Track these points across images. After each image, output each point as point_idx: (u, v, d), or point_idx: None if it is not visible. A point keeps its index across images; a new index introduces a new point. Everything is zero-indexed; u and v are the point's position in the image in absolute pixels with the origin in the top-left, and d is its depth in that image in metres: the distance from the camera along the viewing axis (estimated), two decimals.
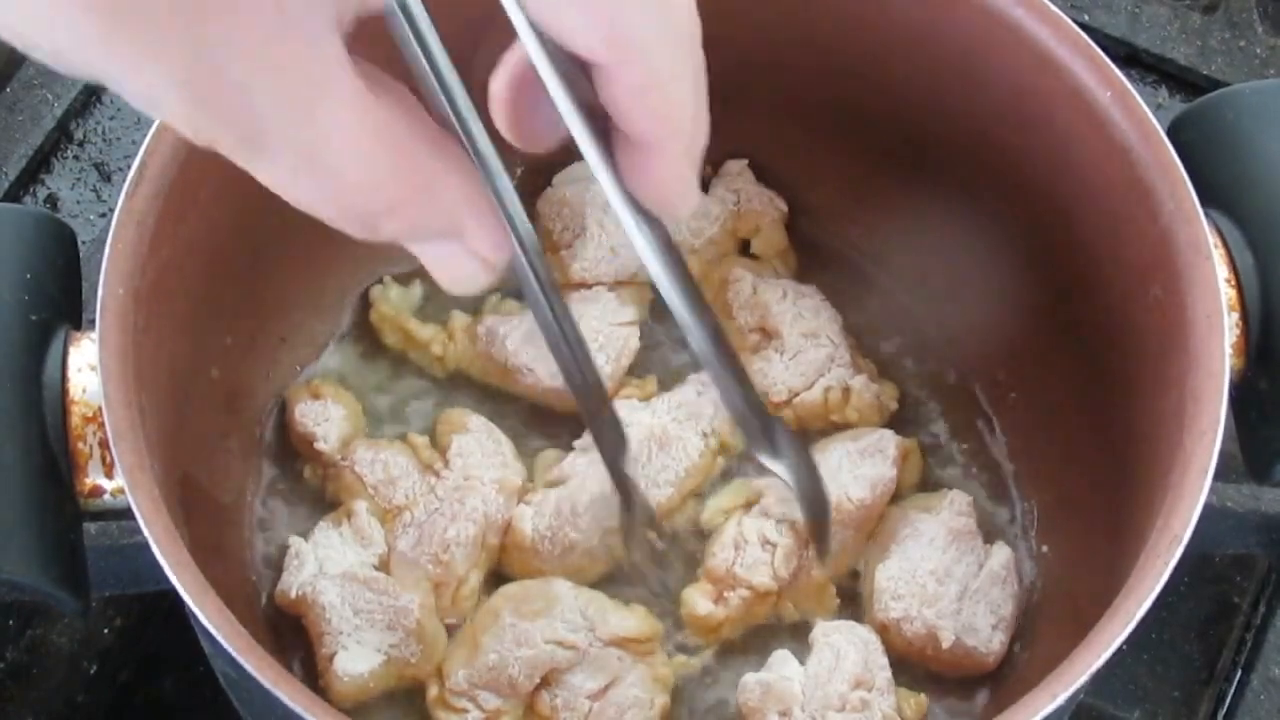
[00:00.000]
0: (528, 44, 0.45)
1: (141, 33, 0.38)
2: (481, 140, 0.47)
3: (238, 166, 0.64)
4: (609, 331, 0.79)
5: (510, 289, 0.83)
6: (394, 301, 0.81)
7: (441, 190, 0.45)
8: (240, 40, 0.38)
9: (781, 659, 0.72)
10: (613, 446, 0.60)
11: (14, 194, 0.94)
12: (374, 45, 0.43)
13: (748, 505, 0.76)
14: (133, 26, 0.38)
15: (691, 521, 0.77)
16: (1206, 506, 0.60)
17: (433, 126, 0.45)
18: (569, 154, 0.86)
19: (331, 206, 0.43)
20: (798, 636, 0.75)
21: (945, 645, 0.73)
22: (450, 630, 0.73)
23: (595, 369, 0.56)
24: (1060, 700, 0.57)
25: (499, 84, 0.47)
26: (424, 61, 0.46)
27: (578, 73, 0.45)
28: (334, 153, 0.41)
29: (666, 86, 0.44)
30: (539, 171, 0.83)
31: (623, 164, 0.47)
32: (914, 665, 0.74)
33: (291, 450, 0.78)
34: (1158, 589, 0.59)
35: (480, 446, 0.76)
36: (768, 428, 0.57)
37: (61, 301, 0.66)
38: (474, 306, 0.82)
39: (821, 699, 0.70)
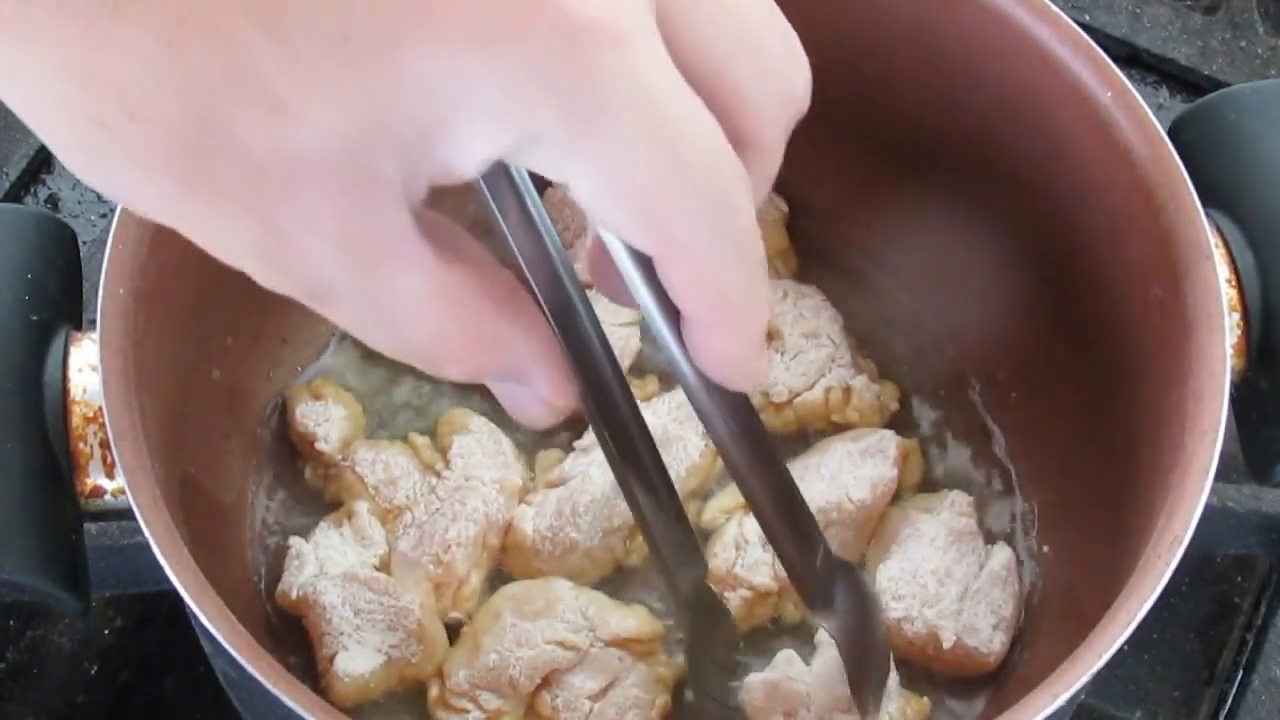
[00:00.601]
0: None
1: (213, 199, 0.40)
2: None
3: None
4: (609, 331, 0.78)
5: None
6: None
7: (506, 346, 0.46)
8: (305, 212, 0.40)
9: (786, 659, 0.72)
10: (689, 568, 0.64)
11: (14, 194, 0.93)
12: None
13: (749, 505, 0.76)
14: (205, 192, 0.39)
15: (692, 521, 0.77)
16: (1207, 507, 0.60)
17: (503, 282, 0.46)
18: None
19: (399, 351, 0.44)
20: (799, 637, 0.75)
21: (946, 646, 0.73)
22: (451, 630, 0.73)
23: (677, 503, 0.60)
24: (1061, 701, 0.57)
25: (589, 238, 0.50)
26: (501, 218, 0.50)
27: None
28: (400, 311, 0.43)
29: (715, 276, 0.44)
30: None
31: (686, 338, 0.47)
32: (915, 666, 0.74)
33: (292, 450, 0.78)
34: (1159, 589, 0.59)
35: (481, 447, 0.76)
36: (826, 594, 0.60)
37: (62, 301, 0.66)
38: None
39: (828, 700, 0.70)
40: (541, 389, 0.48)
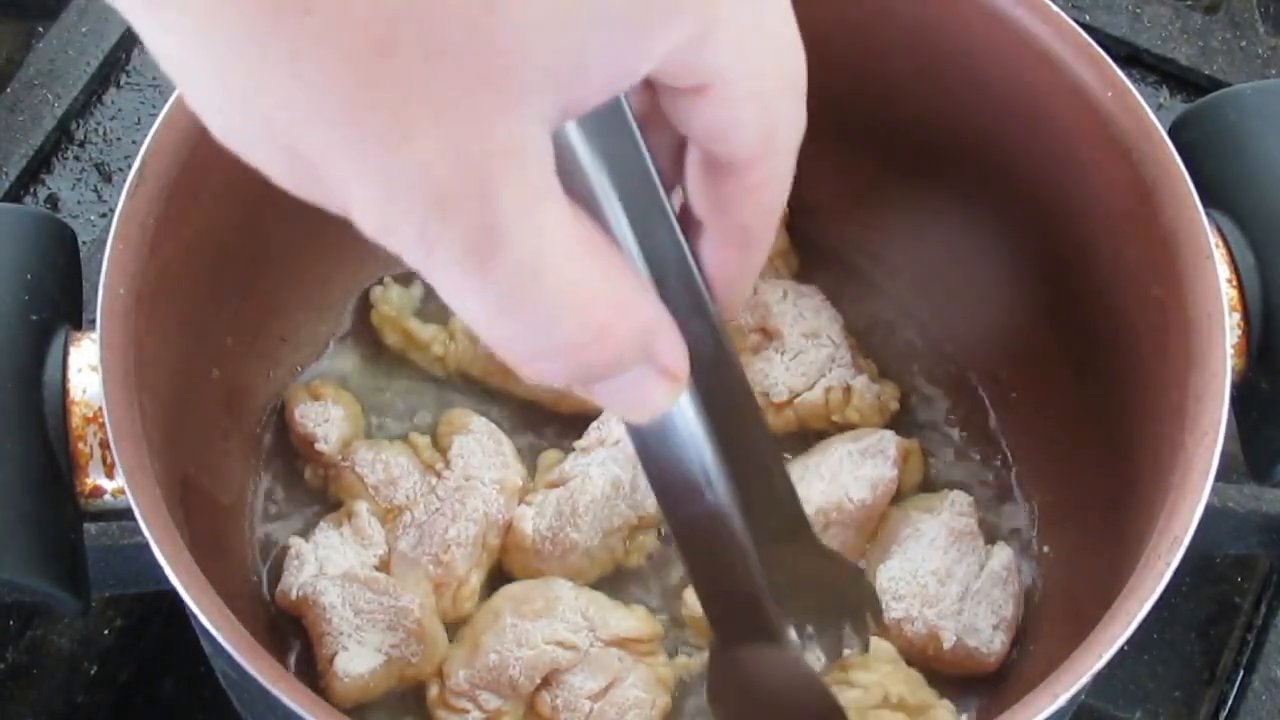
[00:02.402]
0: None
1: (396, 116, 0.35)
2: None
3: (238, 167, 0.64)
4: None
5: None
6: (395, 302, 0.81)
7: (644, 308, 0.43)
8: (485, 138, 0.36)
9: None
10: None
11: (14, 194, 0.93)
12: None
13: None
14: (388, 105, 0.34)
15: None
16: (1208, 507, 0.60)
17: (612, 243, 0.44)
18: None
19: (532, 340, 0.40)
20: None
21: (946, 646, 0.73)
22: (451, 630, 0.73)
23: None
24: (1061, 701, 0.57)
25: None
26: (607, 169, 0.45)
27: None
28: (554, 266, 0.38)
29: (777, 187, 0.46)
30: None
31: (709, 256, 0.48)
32: (915, 666, 0.74)
33: (292, 450, 0.78)
34: (1159, 589, 0.59)
35: (481, 447, 0.76)
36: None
37: (62, 301, 0.66)
38: None
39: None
40: (669, 358, 0.44)
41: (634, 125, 0.46)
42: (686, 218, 0.47)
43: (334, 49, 0.33)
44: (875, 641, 0.73)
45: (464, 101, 0.35)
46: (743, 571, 0.53)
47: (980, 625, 0.73)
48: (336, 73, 0.34)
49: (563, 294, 0.39)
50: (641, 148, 0.46)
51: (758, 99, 0.43)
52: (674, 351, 0.44)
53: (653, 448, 0.51)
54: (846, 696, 0.70)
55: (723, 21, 0.40)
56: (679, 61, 0.40)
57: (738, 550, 0.53)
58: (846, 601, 0.59)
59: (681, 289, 0.48)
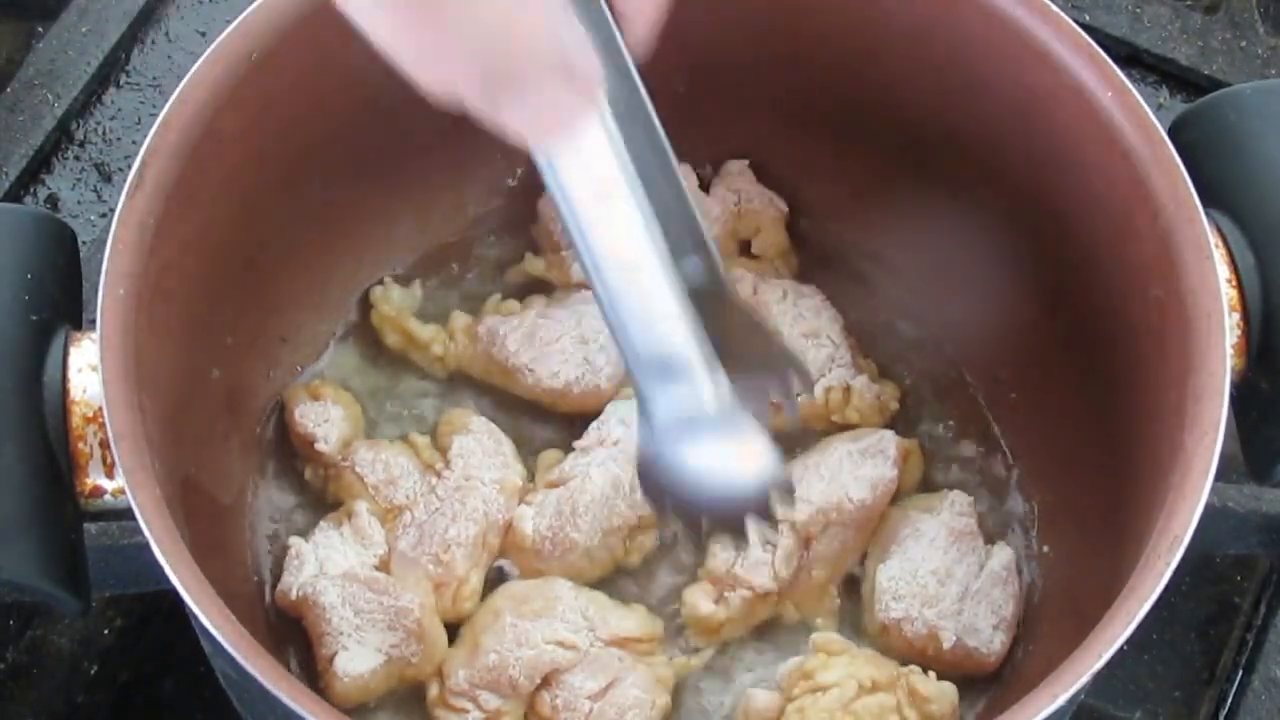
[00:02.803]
0: None
1: None
2: None
3: (238, 167, 0.64)
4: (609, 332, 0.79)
5: (512, 288, 0.83)
6: (395, 302, 0.81)
7: (565, 27, 0.45)
8: None
9: None
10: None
11: (14, 194, 0.93)
12: None
13: None
14: None
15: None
16: (1207, 507, 0.60)
17: None
18: None
19: (473, 40, 0.43)
20: (798, 637, 0.75)
21: (946, 646, 0.73)
22: (451, 630, 0.73)
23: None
24: (1061, 700, 0.57)
25: None
26: None
27: None
28: None
29: None
30: (539, 172, 0.83)
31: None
32: (915, 666, 0.74)
33: (292, 450, 0.78)
34: (1159, 589, 0.59)
35: (481, 447, 0.76)
36: None
37: (62, 301, 0.66)
38: (474, 307, 0.82)
39: None
40: (582, 68, 0.46)
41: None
42: None
43: None
44: (823, 634, 0.73)
45: None
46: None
47: (980, 625, 0.73)
48: None
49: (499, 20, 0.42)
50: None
51: None
52: (588, 63, 0.46)
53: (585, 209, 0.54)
54: (826, 700, 0.70)
55: None
56: None
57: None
58: (774, 363, 0.63)
59: (684, 229, 0.52)
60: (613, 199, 0.54)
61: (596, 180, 0.53)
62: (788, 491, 0.62)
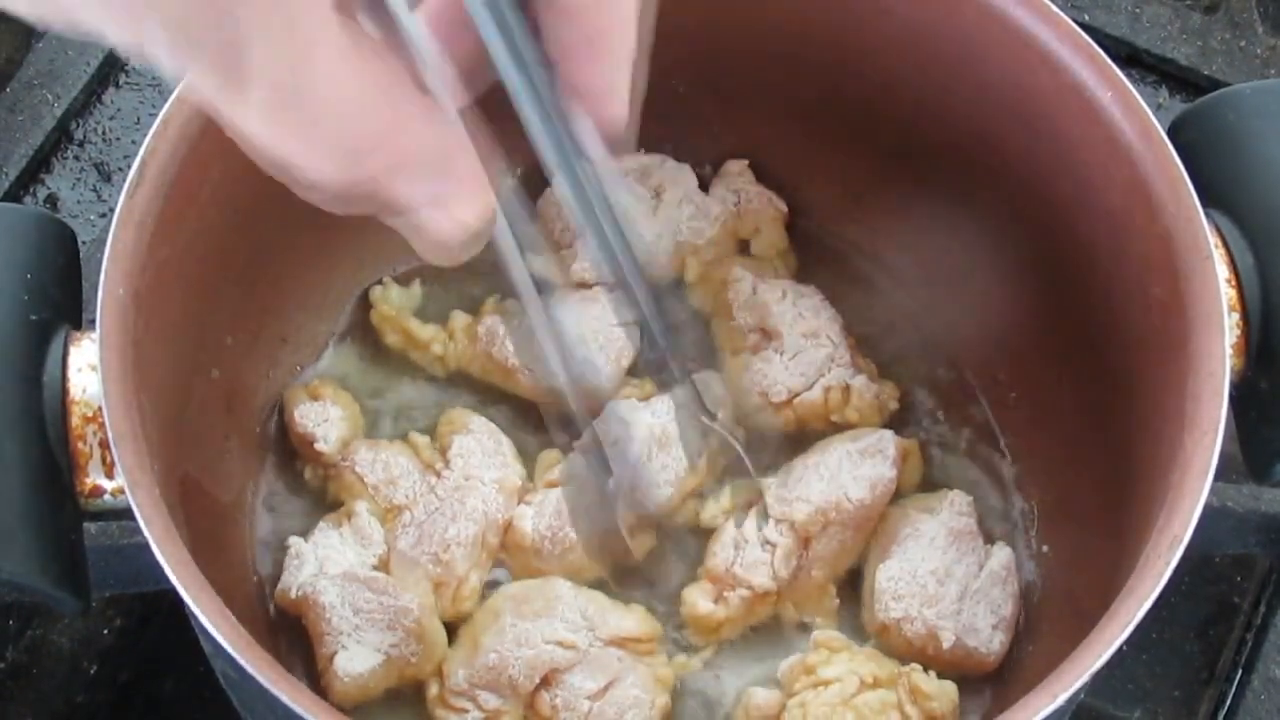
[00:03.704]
0: None
1: None
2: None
3: (238, 167, 0.64)
4: (609, 332, 0.79)
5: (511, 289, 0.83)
6: (394, 302, 0.81)
7: (428, 126, 0.44)
8: None
9: None
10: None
11: (14, 194, 0.94)
12: None
13: (748, 505, 0.76)
14: None
15: (691, 521, 0.77)
16: (1207, 507, 0.60)
17: (410, 75, 0.45)
18: None
19: (315, 143, 0.42)
20: (798, 637, 0.75)
21: (946, 646, 0.73)
22: (451, 630, 0.73)
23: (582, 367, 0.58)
24: (1060, 700, 0.57)
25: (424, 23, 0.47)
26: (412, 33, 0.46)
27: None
28: (321, 86, 0.41)
29: (620, 34, 0.46)
30: (539, 172, 0.83)
31: (566, 68, 0.48)
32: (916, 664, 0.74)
33: (292, 451, 0.78)
34: (1158, 589, 0.59)
35: (481, 446, 0.76)
36: None
37: (61, 301, 0.66)
38: (474, 307, 0.82)
39: None
40: (464, 184, 0.45)
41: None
42: (545, 57, 0.48)
43: None
44: (824, 632, 0.73)
45: None
46: None
47: (980, 625, 0.73)
48: None
49: (330, 106, 0.41)
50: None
51: None
52: (471, 180, 0.45)
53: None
54: (827, 695, 0.70)
55: None
56: None
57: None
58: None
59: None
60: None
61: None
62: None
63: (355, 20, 0.42)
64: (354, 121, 0.42)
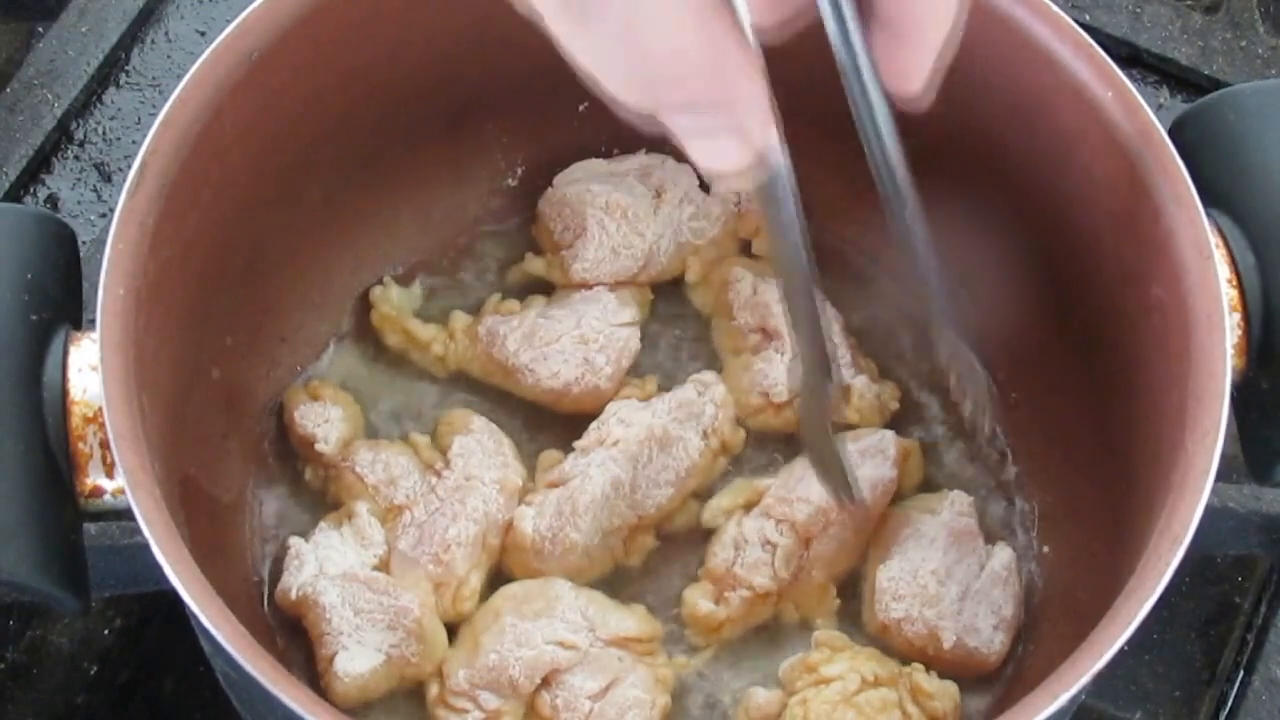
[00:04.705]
0: None
1: None
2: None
3: (238, 167, 0.64)
4: (609, 332, 0.79)
5: (512, 288, 0.83)
6: (395, 302, 0.81)
7: (736, 78, 0.48)
8: None
9: None
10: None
11: (14, 194, 0.93)
12: None
13: (748, 505, 0.76)
14: None
15: (692, 521, 0.77)
16: (1208, 507, 0.60)
17: (741, 29, 0.48)
18: (569, 154, 0.86)
19: (630, 66, 0.46)
20: (798, 637, 0.75)
21: (946, 646, 0.73)
22: (451, 630, 0.73)
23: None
24: (1061, 701, 0.57)
25: None
26: None
27: None
28: (656, 18, 0.44)
29: None
30: (539, 172, 0.83)
31: (879, 48, 0.53)
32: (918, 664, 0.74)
33: (292, 450, 0.78)
34: (1159, 590, 0.59)
35: (481, 446, 0.76)
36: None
37: (62, 301, 0.66)
38: (474, 307, 0.82)
39: None
40: (753, 126, 0.49)
41: None
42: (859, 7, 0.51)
43: None
44: (825, 632, 0.73)
45: None
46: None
47: (980, 625, 0.73)
48: None
49: (656, 44, 0.45)
50: None
51: None
52: (760, 124, 0.50)
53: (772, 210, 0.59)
54: (828, 693, 0.70)
55: None
56: None
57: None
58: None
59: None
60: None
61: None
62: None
63: None
64: (678, 59, 0.46)
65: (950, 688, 0.72)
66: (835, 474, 0.70)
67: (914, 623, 0.73)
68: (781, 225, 0.58)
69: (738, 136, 0.50)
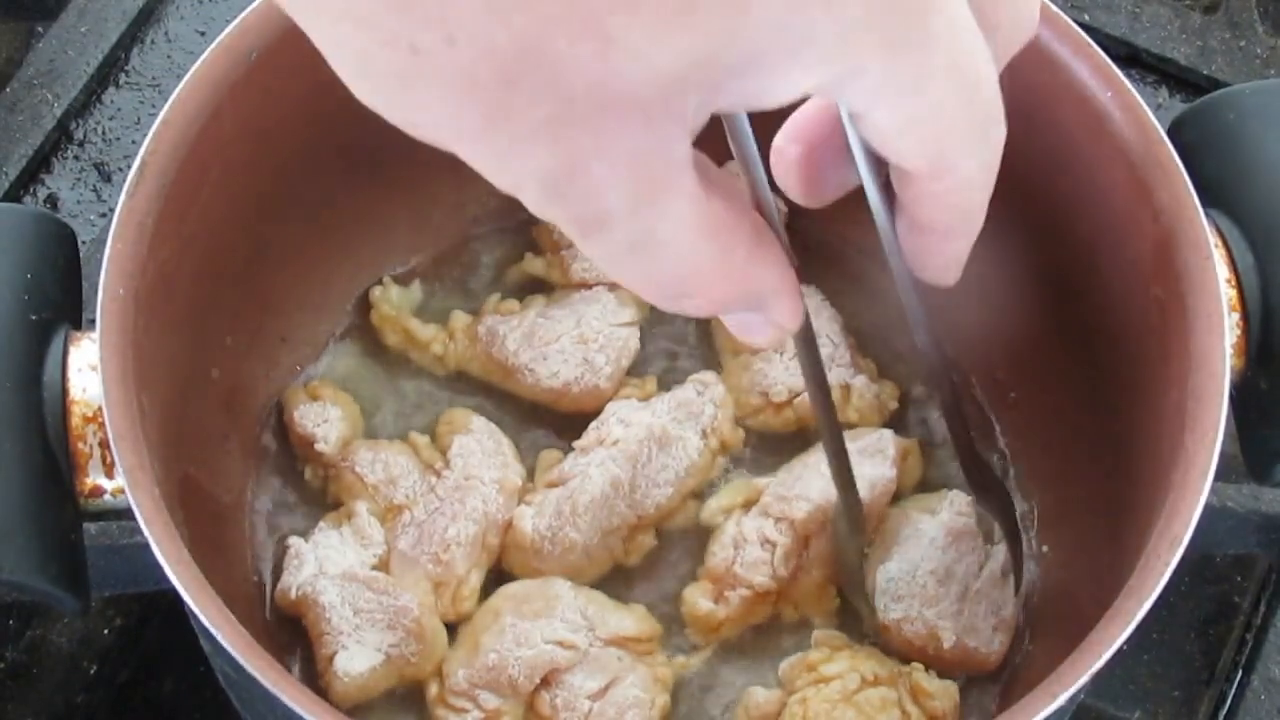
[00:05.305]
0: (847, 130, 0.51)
1: (513, 128, 0.40)
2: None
3: (237, 166, 0.64)
4: (609, 332, 0.79)
5: (512, 288, 0.83)
6: (394, 302, 0.81)
7: (756, 279, 0.48)
8: (603, 144, 0.41)
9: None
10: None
11: (14, 194, 0.93)
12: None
13: (747, 505, 0.76)
14: (505, 121, 0.40)
15: (691, 521, 0.77)
16: (1207, 507, 0.60)
17: (752, 216, 0.48)
18: None
19: (647, 284, 0.46)
20: (798, 637, 0.75)
21: (946, 646, 0.73)
22: (450, 630, 0.73)
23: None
24: (1061, 700, 0.57)
25: (790, 144, 0.53)
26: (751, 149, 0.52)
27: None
28: (664, 243, 0.44)
29: (970, 192, 0.50)
30: None
31: (904, 237, 0.53)
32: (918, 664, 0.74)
33: (292, 450, 0.78)
34: (1158, 589, 0.59)
35: (481, 446, 0.76)
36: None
37: (61, 301, 0.66)
38: (474, 307, 0.82)
39: None
40: (779, 316, 0.50)
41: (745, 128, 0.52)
42: (889, 193, 0.52)
43: (470, 79, 0.39)
44: (825, 631, 0.73)
45: (577, 122, 0.40)
46: None
47: (980, 625, 0.73)
48: (471, 96, 0.40)
49: (667, 266, 0.45)
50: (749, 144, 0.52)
51: (915, 132, 0.45)
52: (785, 313, 0.50)
53: (803, 348, 0.61)
54: (828, 691, 0.70)
55: (865, 73, 0.42)
56: (820, 94, 0.43)
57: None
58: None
59: None
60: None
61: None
62: None
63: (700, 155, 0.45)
64: (691, 277, 0.46)
65: (950, 687, 0.72)
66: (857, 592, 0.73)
67: (913, 622, 0.73)
68: (807, 365, 0.61)
69: (768, 325, 0.50)
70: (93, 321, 0.62)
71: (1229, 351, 0.64)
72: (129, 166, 0.65)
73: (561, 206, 0.43)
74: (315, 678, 0.72)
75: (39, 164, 0.95)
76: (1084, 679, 0.58)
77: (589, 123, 0.40)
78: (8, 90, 0.96)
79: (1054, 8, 0.71)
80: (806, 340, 0.61)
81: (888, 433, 0.78)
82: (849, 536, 0.73)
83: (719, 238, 0.45)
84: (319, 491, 0.77)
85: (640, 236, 0.44)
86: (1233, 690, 0.84)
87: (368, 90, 0.42)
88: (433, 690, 0.72)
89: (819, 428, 0.66)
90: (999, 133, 0.49)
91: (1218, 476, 0.61)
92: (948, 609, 0.73)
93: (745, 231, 0.47)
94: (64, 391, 0.63)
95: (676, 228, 0.44)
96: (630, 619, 0.73)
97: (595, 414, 0.78)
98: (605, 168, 0.41)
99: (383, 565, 0.73)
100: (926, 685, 0.71)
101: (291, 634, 0.74)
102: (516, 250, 0.84)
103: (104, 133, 0.97)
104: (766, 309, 0.50)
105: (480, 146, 0.41)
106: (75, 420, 0.63)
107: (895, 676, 0.72)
